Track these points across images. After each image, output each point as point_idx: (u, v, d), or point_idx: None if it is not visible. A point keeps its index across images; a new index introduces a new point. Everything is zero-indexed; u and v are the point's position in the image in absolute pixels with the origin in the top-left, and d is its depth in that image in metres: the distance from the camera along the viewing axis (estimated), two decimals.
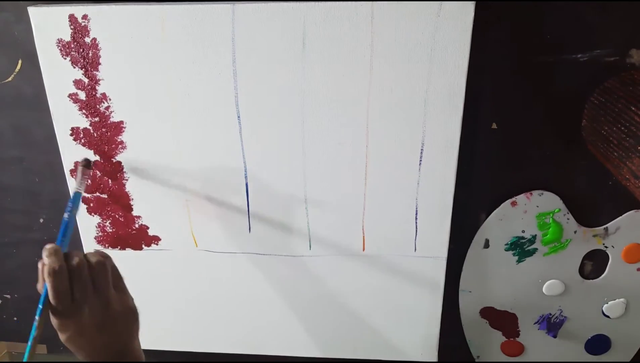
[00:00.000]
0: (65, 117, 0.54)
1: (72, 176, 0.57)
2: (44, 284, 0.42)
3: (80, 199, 0.53)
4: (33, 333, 0.41)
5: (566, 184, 0.55)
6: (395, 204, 0.56)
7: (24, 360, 0.42)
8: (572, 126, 0.53)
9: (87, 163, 0.55)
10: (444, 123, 0.51)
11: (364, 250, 0.59)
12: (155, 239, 0.61)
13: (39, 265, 0.42)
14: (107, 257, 0.44)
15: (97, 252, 0.44)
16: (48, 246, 0.43)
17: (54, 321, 0.42)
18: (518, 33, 0.50)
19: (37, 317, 0.41)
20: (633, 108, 0.45)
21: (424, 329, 0.63)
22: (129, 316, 0.45)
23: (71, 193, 0.57)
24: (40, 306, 0.42)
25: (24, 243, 0.65)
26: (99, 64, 0.51)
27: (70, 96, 0.53)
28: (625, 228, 0.57)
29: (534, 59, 0.50)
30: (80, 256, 0.43)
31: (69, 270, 0.42)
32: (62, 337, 0.42)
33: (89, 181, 0.57)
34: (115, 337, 0.44)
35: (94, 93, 0.53)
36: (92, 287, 0.42)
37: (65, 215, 0.49)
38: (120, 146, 0.55)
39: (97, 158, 0.56)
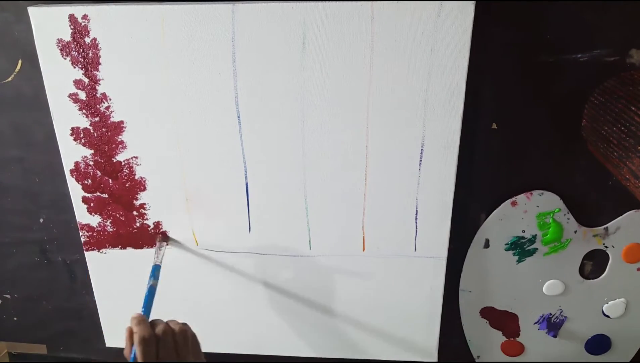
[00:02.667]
0: (65, 117, 0.54)
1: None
2: (132, 350, 0.44)
3: (160, 271, 0.57)
4: None
5: (566, 184, 0.56)
6: (395, 204, 0.56)
7: None
8: (572, 126, 0.53)
9: (164, 238, 0.59)
10: (444, 123, 0.51)
11: (364, 250, 0.59)
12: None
13: (126, 332, 0.45)
14: (186, 325, 0.48)
15: (176, 322, 0.48)
16: (136, 314, 0.46)
17: None
18: (518, 33, 0.50)
19: None
20: (633, 108, 0.45)
21: (424, 329, 0.63)
22: None
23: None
24: None
25: (24, 243, 0.65)
26: (99, 64, 0.51)
27: (70, 96, 0.53)
28: (625, 228, 0.57)
29: (534, 59, 0.50)
30: (164, 324, 0.46)
31: (156, 337, 0.45)
32: None
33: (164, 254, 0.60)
34: None
35: (94, 93, 0.53)
36: (175, 354, 0.45)
37: (148, 286, 0.52)
38: (120, 146, 0.55)
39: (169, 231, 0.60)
